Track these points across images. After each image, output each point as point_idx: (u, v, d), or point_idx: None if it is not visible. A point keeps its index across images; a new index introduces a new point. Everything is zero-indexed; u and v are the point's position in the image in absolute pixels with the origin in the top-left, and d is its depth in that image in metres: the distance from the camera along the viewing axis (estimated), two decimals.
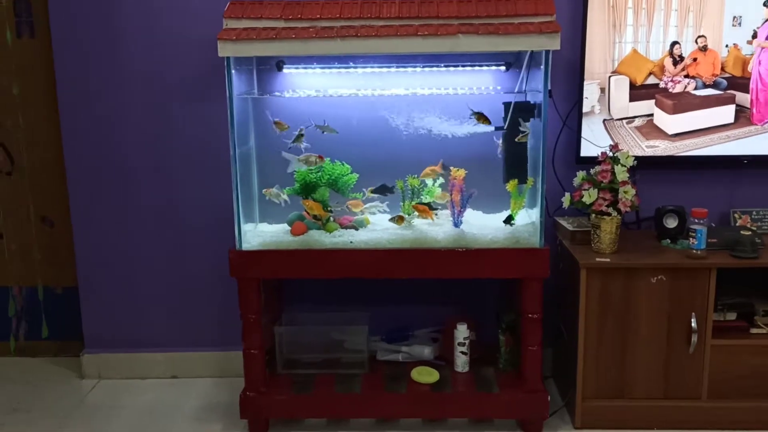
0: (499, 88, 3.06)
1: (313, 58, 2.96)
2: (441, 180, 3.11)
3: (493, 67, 3.08)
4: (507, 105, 3.00)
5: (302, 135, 2.82)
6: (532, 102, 2.99)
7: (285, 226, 3.01)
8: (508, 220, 2.86)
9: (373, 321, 3.16)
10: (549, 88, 2.75)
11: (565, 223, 3.12)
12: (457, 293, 3.46)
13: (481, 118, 2.91)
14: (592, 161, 3.07)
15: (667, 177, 3.25)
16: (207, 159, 3.27)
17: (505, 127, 2.99)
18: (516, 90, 3.03)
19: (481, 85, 3.06)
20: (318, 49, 2.73)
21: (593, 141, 3.20)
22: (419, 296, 3.33)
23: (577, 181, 3.03)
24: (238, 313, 2.93)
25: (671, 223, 3.12)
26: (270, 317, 3.16)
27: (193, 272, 3.40)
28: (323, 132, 2.84)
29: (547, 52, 2.73)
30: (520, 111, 2.92)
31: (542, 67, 2.77)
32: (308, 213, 3.03)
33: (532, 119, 2.95)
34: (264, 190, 3.01)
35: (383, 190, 3.00)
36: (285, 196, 2.90)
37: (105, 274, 3.39)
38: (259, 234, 2.96)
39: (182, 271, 3.40)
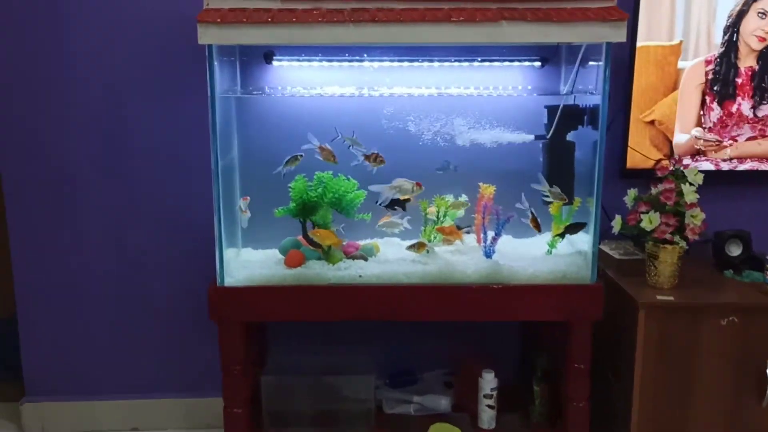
0: (529, 87, 2.63)
1: (315, 47, 2.48)
2: (464, 198, 2.57)
3: (526, 63, 2.60)
4: (551, 109, 2.47)
5: (298, 159, 2.34)
6: (581, 106, 2.46)
7: (276, 253, 2.54)
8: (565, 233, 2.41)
9: (374, 359, 2.68)
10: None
11: (609, 250, 2.62)
12: (471, 328, 2.94)
13: None
14: (640, 175, 2.58)
15: (725, 194, 2.76)
16: (173, 171, 2.77)
17: (548, 136, 2.46)
18: (565, 91, 2.49)
19: (509, 83, 2.62)
20: (324, 36, 2.15)
21: (642, 150, 2.69)
22: (426, 332, 2.86)
23: (629, 200, 2.52)
24: (211, 352, 2.47)
25: (735, 250, 2.64)
26: (251, 359, 2.58)
27: (157, 304, 2.88)
28: (350, 147, 2.34)
29: (608, 44, 2.22)
30: (568, 117, 2.39)
31: (601, 62, 2.25)
32: (307, 240, 2.45)
33: (580, 127, 2.42)
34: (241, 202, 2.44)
35: (396, 205, 2.45)
36: (247, 214, 2.36)
37: (49, 305, 2.85)
38: (244, 265, 2.44)
39: (144, 302, 2.88)
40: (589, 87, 2.43)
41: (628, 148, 2.68)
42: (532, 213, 2.42)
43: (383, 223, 2.52)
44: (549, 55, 2.62)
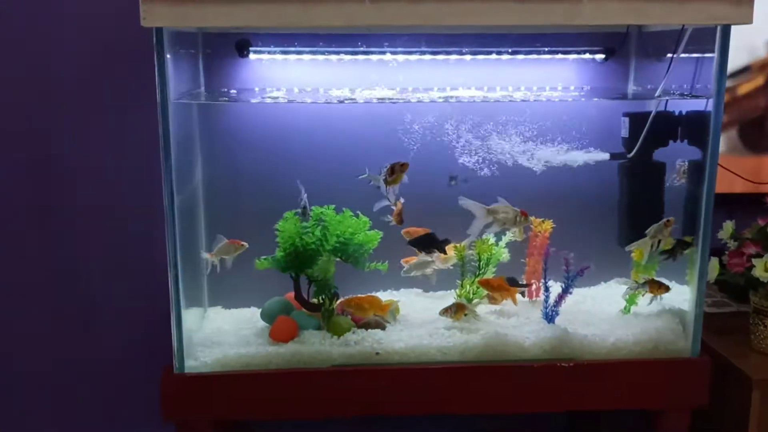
0: (586, 88, 2.12)
1: (310, 34, 1.95)
2: (512, 235, 1.92)
3: (586, 56, 2.08)
4: (633, 117, 1.83)
5: (307, 211, 1.85)
6: (675, 113, 1.84)
7: (256, 315, 1.97)
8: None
9: None
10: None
11: None
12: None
13: None
14: (728, 201, 2.02)
15: None
16: (111, 202, 2.20)
17: (629, 156, 1.82)
18: (657, 94, 1.82)
19: (561, 82, 2.10)
20: (327, 17, 1.57)
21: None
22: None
23: (724, 235, 1.90)
24: None
25: None
26: None
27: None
28: (371, 182, 1.85)
29: (725, 29, 1.65)
30: (661, 127, 1.79)
31: (715, 54, 1.66)
32: (301, 302, 1.78)
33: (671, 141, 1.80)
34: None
35: (427, 244, 1.87)
36: (212, 259, 1.83)
37: None
38: (213, 338, 1.86)
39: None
40: (684, 87, 1.79)
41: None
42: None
43: (413, 265, 1.93)
44: (616, 45, 1.97)
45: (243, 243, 1.81)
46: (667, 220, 1.80)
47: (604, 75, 2.11)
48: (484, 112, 1.94)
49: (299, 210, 1.81)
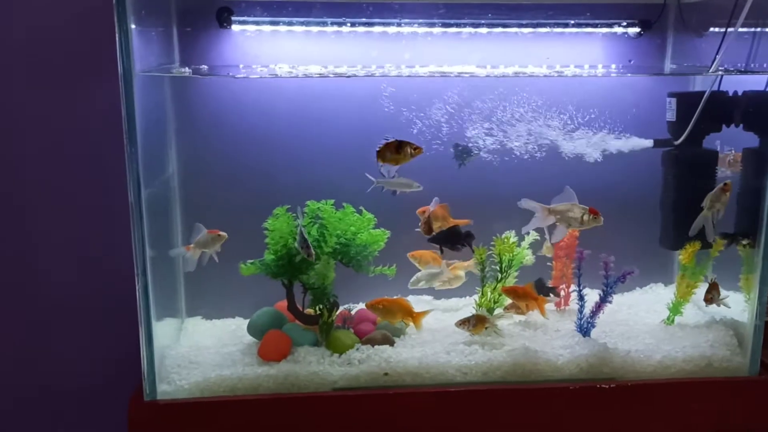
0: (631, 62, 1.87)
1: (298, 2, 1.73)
2: (533, 235, 1.67)
3: (617, 29, 1.83)
4: (681, 98, 1.58)
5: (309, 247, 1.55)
6: (731, 94, 1.60)
7: (243, 333, 1.69)
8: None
9: None
10: None
11: None
12: None
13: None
14: None
15: None
16: (72, 197, 1.87)
17: (676, 142, 1.57)
18: (711, 70, 1.56)
19: (591, 59, 1.87)
20: None
21: None
22: None
23: None
24: None
25: None
26: None
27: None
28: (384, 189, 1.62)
29: None
30: (715, 110, 1.55)
31: None
32: (295, 314, 1.51)
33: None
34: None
35: (451, 239, 1.63)
36: (190, 253, 1.56)
37: None
38: (191, 357, 1.59)
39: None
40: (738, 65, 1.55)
41: None
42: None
43: (421, 277, 1.70)
44: (653, 17, 1.72)
45: (221, 233, 1.55)
46: (725, 184, 1.56)
47: (638, 51, 1.87)
48: (498, 90, 1.72)
49: (296, 244, 1.55)
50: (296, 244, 1.51)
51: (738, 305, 1.62)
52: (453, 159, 1.69)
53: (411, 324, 1.66)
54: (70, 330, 1.96)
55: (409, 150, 1.49)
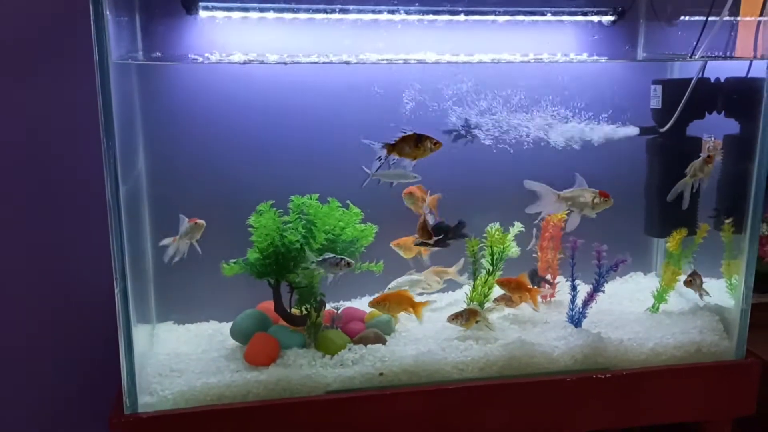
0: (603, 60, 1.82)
1: None
2: (519, 227, 1.64)
3: (592, 17, 1.82)
4: (666, 85, 1.58)
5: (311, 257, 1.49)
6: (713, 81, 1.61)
7: (224, 337, 1.59)
8: None
9: None
10: None
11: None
12: None
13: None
14: None
15: None
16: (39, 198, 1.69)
17: (662, 130, 1.57)
18: (692, 53, 1.56)
19: (564, 48, 1.83)
20: None
21: None
22: None
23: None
24: None
25: None
26: None
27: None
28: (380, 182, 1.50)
29: None
30: (699, 97, 1.55)
31: None
32: (283, 315, 1.44)
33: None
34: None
35: (446, 235, 1.58)
36: (177, 244, 1.48)
37: None
38: (171, 365, 1.48)
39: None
40: (717, 52, 1.56)
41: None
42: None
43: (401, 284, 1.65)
44: (627, 5, 1.73)
45: (199, 221, 1.46)
46: (708, 156, 1.56)
47: (611, 40, 1.84)
48: (478, 77, 1.65)
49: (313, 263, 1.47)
50: (312, 263, 1.44)
51: (720, 291, 1.64)
52: (461, 135, 1.64)
53: (400, 321, 1.61)
54: (41, 340, 1.74)
55: (428, 144, 1.40)
